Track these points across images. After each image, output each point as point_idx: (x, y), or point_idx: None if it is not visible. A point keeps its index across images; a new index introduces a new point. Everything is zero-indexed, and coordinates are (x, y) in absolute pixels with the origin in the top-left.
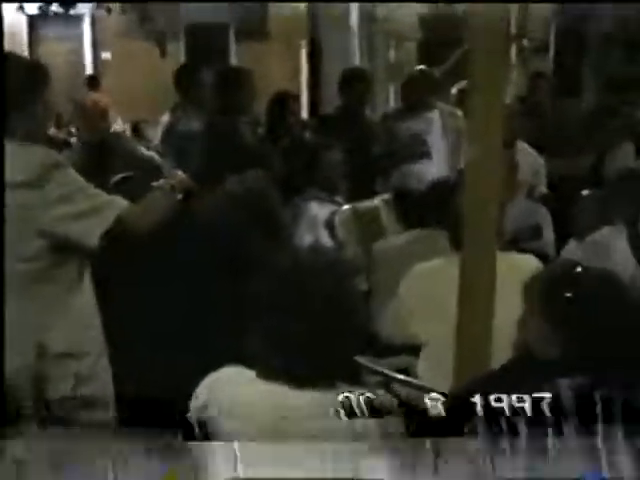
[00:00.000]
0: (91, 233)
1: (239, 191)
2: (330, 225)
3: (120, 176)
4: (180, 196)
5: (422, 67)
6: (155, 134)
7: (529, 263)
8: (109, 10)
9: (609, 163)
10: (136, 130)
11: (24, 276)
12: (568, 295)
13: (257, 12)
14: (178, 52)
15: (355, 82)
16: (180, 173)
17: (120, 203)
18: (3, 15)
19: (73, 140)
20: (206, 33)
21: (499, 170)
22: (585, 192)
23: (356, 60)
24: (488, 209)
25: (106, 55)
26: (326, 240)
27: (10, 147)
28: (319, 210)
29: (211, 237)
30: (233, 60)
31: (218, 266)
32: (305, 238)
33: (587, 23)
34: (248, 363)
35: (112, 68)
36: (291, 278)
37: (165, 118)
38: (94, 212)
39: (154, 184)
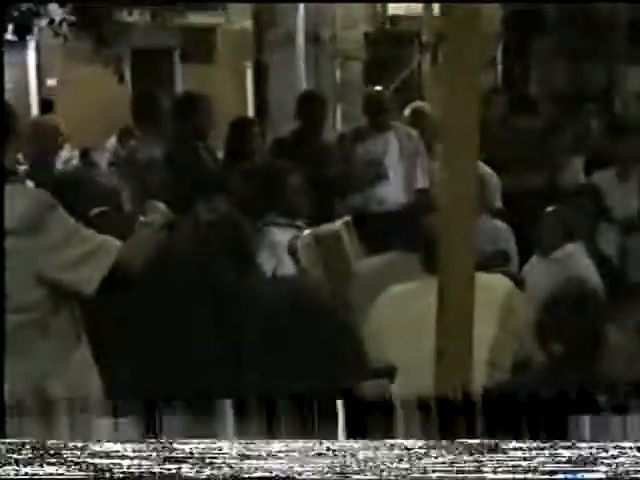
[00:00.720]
0: (90, 279)
1: (212, 220)
2: (292, 251)
3: (96, 211)
4: (165, 231)
5: (378, 88)
6: (103, 159)
7: (501, 283)
8: (65, 37)
9: (560, 178)
10: (85, 156)
11: (21, 328)
12: None
13: (203, 34)
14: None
15: (312, 105)
16: (162, 206)
17: (113, 244)
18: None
19: (21, 168)
20: (151, 57)
21: (474, 189)
22: (548, 209)
23: (302, 81)
24: (464, 229)
25: (51, 81)
26: (289, 266)
27: None
28: (281, 236)
29: (192, 269)
30: (179, 83)
31: (202, 299)
32: (268, 264)
33: (534, 37)
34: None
35: (58, 94)
36: (270, 308)
37: (112, 142)
38: (90, 256)
39: (142, 220)
